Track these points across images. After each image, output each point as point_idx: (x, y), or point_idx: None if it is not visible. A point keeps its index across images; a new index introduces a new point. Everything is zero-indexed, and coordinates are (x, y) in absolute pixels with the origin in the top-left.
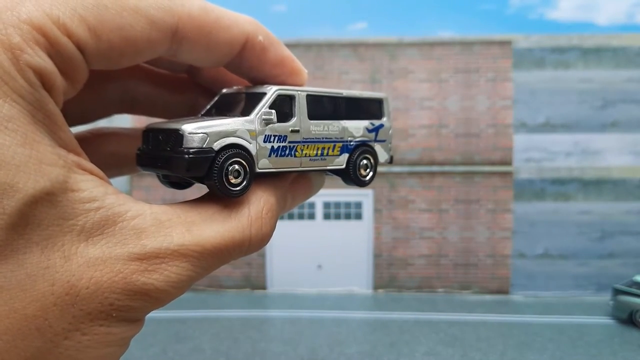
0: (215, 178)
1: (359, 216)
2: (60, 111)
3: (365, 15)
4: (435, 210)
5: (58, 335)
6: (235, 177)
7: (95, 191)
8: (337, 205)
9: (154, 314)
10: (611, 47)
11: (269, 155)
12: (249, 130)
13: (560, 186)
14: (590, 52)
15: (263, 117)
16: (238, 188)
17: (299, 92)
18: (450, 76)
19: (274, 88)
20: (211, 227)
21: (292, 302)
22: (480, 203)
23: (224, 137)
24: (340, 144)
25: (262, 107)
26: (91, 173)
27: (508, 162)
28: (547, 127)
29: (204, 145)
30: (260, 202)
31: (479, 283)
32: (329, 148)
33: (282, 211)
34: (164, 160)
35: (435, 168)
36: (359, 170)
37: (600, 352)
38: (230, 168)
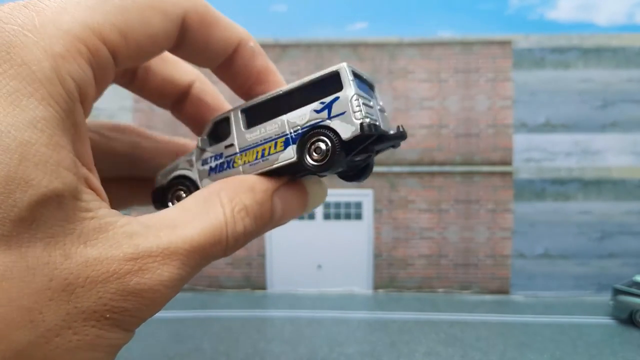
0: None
1: (359, 216)
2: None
3: (365, 15)
4: (435, 210)
5: (50, 331)
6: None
7: (92, 204)
8: (337, 205)
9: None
10: (611, 47)
11: (209, 175)
12: (187, 161)
13: (560, 186)
14: (590, 52)
15: (198, 144)
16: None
17: (232, 112)
18: (450, 76)
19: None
20: (193, 227)
21: (292, 302)
22: (480, 203)
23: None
24: (283, 139)
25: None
26: (95, 191)
27: (508, 162)
28: (547, 127)
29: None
30: (231, 203)
31: (479, 283)
32: (269, 147)
33: (270, 216)
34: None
35: (435, 168)
36: (306, 158)
37: (600, 352)
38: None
